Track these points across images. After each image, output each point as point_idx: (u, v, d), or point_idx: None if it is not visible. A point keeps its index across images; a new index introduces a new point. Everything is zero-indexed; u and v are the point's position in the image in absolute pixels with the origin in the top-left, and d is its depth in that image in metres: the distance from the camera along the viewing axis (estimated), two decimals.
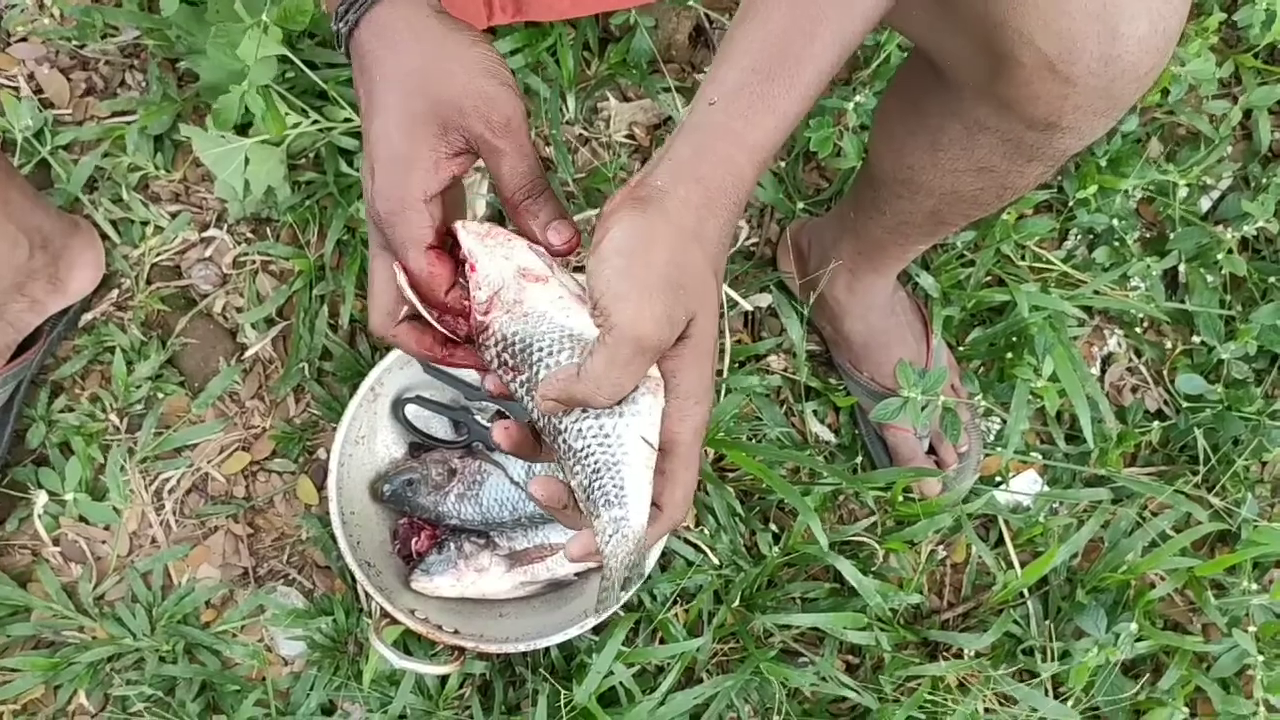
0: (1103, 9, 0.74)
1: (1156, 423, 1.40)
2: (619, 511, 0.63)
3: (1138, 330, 1.44)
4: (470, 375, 1.26)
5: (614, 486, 0.63)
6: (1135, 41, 0.75)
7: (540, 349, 0.66)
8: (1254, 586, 1.29)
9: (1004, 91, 0.82)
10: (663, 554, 1.26)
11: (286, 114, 1.24)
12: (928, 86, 0.92)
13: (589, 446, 0.63)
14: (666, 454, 0.64)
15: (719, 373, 1.33)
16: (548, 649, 1.26)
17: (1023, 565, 1.31)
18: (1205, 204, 1.49)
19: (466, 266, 0.70)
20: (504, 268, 0.69)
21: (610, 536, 0.63)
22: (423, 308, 0.71)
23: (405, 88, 0.69)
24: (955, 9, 0.80)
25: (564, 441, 0.65)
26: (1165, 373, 1.44)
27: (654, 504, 0.64)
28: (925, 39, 0.88)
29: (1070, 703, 1.25)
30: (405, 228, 0.70)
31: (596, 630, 1.23)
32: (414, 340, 0.74)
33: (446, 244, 0.72)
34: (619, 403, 0.63)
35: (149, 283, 1.35)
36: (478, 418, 1.28)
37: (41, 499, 1.29)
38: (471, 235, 0.70)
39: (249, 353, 1.35)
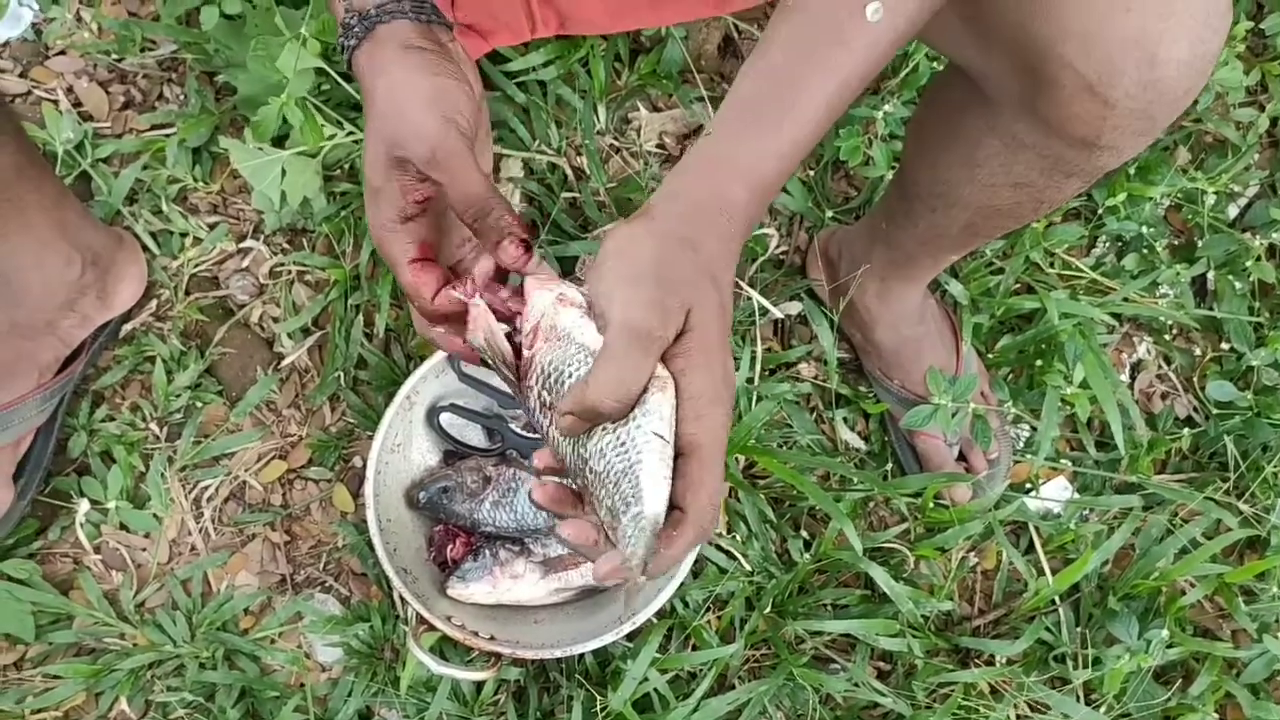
0: (1142, 35, 0.74)
1: (1186, 429, 1.40)
2: (637, 508, 0.61)
3: (1167, 337, 1.45)
4: (504, 384, 1.27)
5: (631, 487, 0.61)
6: (1174, 66, 0.76)
7: (567, 372, 0.67)
8: None
9: (1043, 110, 0.83)
10: (695, 560, 1.28)
11: (322, 125, 1.25)
12: (964, 102, 0.93)
13: (610, 463, 0.62)
14: (686, 457, 0.63)
15: (749, 380, 1.34)
16: (582, 655, 1.27)
17: (1054, 572, 1.31)
18: (1233, 211, 1.50)
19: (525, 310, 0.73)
20: (547, 298, 0.72)
21: (631, 535, 0.61)
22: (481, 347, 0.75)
23: (374, 126, 0.75)
24: (993, 30, 0.81)
25: (591, 470, 0.64)
26: (1195, 379, 1.44)
27: (676, 507, 0.62)
28: (963, 57, 0.89)
29: (1102, 709, 1.26)
30: (388, 248, 0.77)
31: (630, 637, 1.24)
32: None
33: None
34: (631, 409, 0.63)
35: (188, 293, 1.37)
36: (512, 426, 1.30)
37: (84, 507, 1.30)
38: (531, 279, 0.73)
39: (286, 362, 1.36)
